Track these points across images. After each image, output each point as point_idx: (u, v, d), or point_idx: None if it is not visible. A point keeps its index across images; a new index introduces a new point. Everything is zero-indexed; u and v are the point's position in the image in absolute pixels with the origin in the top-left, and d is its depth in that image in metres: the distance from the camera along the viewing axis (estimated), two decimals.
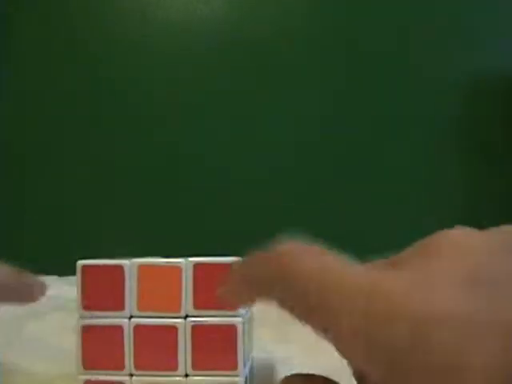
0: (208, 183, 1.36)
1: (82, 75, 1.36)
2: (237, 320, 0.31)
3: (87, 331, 0.33)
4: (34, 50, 1.37)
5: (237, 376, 0.31)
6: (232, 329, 0.31)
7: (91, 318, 0.32)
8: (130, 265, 0.33)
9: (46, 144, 1.35)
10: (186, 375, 0.32)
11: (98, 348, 0.32)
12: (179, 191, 1.36)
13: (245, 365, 0.32)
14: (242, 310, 0.32)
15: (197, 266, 0.32)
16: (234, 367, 0.31)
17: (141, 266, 0.33)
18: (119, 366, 0.32)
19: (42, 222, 1.34)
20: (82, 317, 0.33)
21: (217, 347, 0.31)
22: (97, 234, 1.34)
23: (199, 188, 1.36)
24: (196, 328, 0.32)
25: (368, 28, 1.38)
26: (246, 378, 0.33)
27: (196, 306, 0.32)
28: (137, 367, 0.32)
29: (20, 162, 1.35)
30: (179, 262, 0.32)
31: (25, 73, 1.36)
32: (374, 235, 1.35)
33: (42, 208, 1.34)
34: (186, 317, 0.32)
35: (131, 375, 0.32)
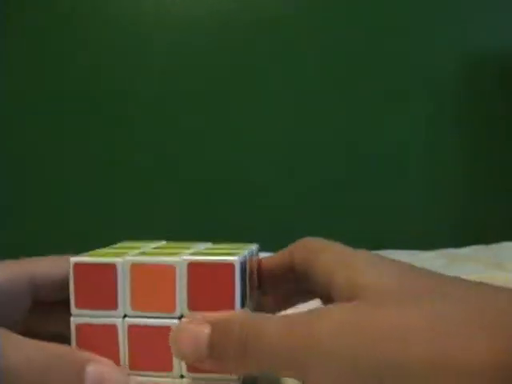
0: (208, 179, 1.35)
1: (80, 71, 1.35)
2: None
3: (80, 330, 0.32)
4: (29, 47, 1.36)
5: (233, 378, 0.30)
6: None
7: (84, 316, 0.32)
8: (123, 263, 0.32)
9: (45, 140, 1.35)
10: (182, 376, 0.31)
11: (92, 347, 0.32)
12: (176, 188, 1.35)
13: None
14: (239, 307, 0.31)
15: (191, 264, 0.31)
16: None
17: (133, 265, 0.32)
18: None
19: (41, 218, 1.34)
20: (75, 315, 0.32)
21: None
22: (95, 231, 1.34)
23: (198, 185, 1.35)
24: None
25: (364, 6, 1.36)
26: (240, 379, 0.32)
27: (191, 307, 0.31)
28: (131, 367, 0.31)
29: (19, 158, 1.35)
30: (173, 261, 0.32)
31: (23, 68, 1.36)
32: (372, 221, 1.35)
33: (40, 205, 1.34)
34: (181, 317, 0.31)
35: None
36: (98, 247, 0.36)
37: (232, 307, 0.30)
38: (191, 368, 0.31)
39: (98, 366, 0.29)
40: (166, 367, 0.31)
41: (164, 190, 1.35)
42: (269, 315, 0.27)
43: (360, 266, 0.28)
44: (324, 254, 0.31)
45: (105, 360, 0.30)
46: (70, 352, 0.30)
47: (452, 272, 0.80)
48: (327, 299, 0.29)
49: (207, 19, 1.36)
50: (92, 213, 1.35)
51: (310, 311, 0.25)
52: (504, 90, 1.35)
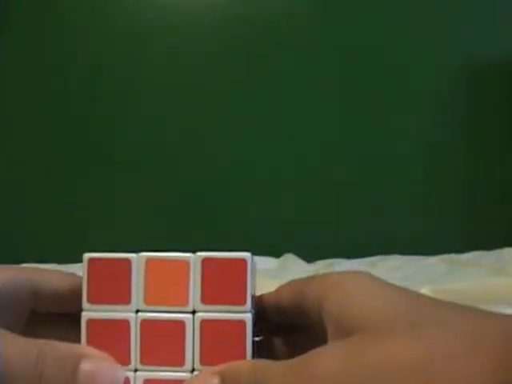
0: (208, 179, 1.35)
1: (80, 71, 1.35)
2: (246, 316, 0.31)
3: (92, 325, 0.32)
4: (29, 42, 1.36)
5: None
6: (241, 324, 0.31)
7: (96, 311, 0.32)
8: (138, 258, 0.32)
9: (45, 140, 1.35)
10: (193, 370, 0.31)
11: (102, 342, 0.32)
12: (176, 187, 1.35)
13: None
14: (250, 306, 0.31)
15: (205, 260, 0.31)
16: None
17: (148, 260, 0.32)
18: (124, 361, 0.32)
19: (42, 208, 1.33)
20: (86, 310, 0.32)
21: (224, 342, 0.31)
22: (97, 222, 1.33)
23: (198, 185, 1.35)
24: (204, 323, 0.31)
25: (367, 9, 1.36)
26: None
27: (204, 301, 0.31)
28: (142, 362, 0.31)
29: (19, 158, 1.35)
30: (187, 257, 0.32)
31: (23, 68, 1.35)
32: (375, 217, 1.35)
33: (40, 205, 1.33)
34: (194, 312, 0.31)
35: (136, 370, 0.32)
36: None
37: (243, 301, 0.31)
38: (204, 361, 0.31)
39: (92, 361, 0.29)
40: (177, 361, 0.31)
41: (164, 189, 1.35)
42: (273, 361, 0.28)
43: (354, 291, 0.27)
44: (314, 281, 0.30)
45: (100, 355, 0.30)
46: (64, 346, 0.29)
47: (454, 277, 0.80)
48: (318, 325, 0.29)
49: (207, 19, 1.36)
50: (92, 212, 1.35)
51: (307, 354, 0.26)
52: (506, 95, 1.36)
